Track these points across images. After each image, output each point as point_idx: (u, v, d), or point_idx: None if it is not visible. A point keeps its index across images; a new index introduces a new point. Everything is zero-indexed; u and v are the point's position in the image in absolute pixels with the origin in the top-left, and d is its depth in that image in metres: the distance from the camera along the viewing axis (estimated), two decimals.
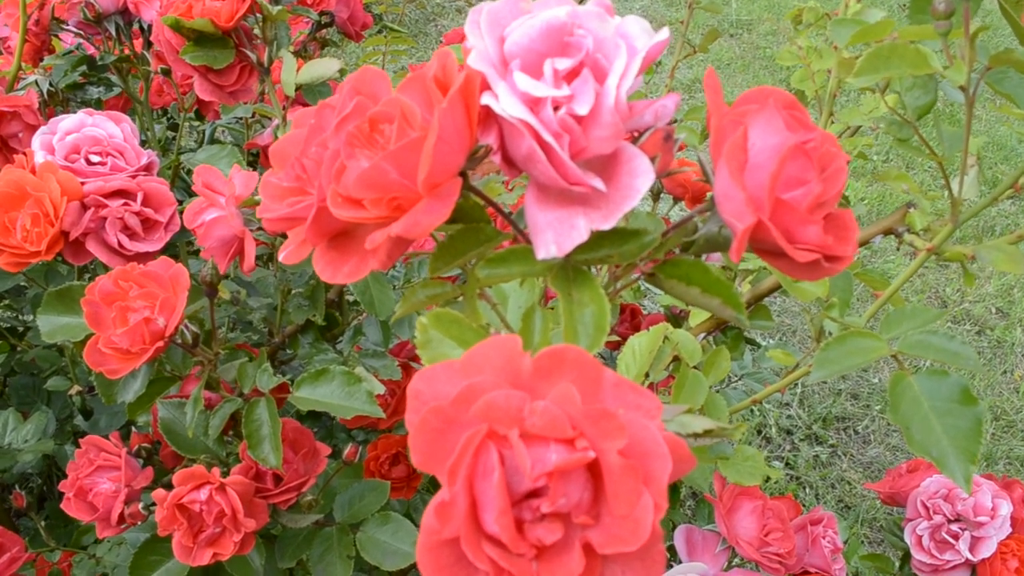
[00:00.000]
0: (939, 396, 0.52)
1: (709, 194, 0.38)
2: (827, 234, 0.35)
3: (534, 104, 0.33)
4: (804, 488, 1.97)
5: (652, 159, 0.35)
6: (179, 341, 0.65)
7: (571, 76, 0.33)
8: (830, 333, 0.64)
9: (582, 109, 0.32)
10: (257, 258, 1.10)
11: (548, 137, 0.32)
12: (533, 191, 0.35)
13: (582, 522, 0.30)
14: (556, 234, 0.34)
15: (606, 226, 0.33)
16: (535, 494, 0.30)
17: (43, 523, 0.96)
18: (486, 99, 0.33)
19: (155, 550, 0.79)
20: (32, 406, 1.27)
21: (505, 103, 0.33)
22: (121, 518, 0.71)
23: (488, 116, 0.35)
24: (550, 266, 0.36)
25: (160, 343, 0.62)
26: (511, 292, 0.52)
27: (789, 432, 2.09)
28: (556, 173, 0.32)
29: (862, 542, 1.82)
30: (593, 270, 0.39)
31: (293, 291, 0.85)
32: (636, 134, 0.37)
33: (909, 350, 0.56)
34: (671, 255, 0.40)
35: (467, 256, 0.37)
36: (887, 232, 0.69)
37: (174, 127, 1.44)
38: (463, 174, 0.36)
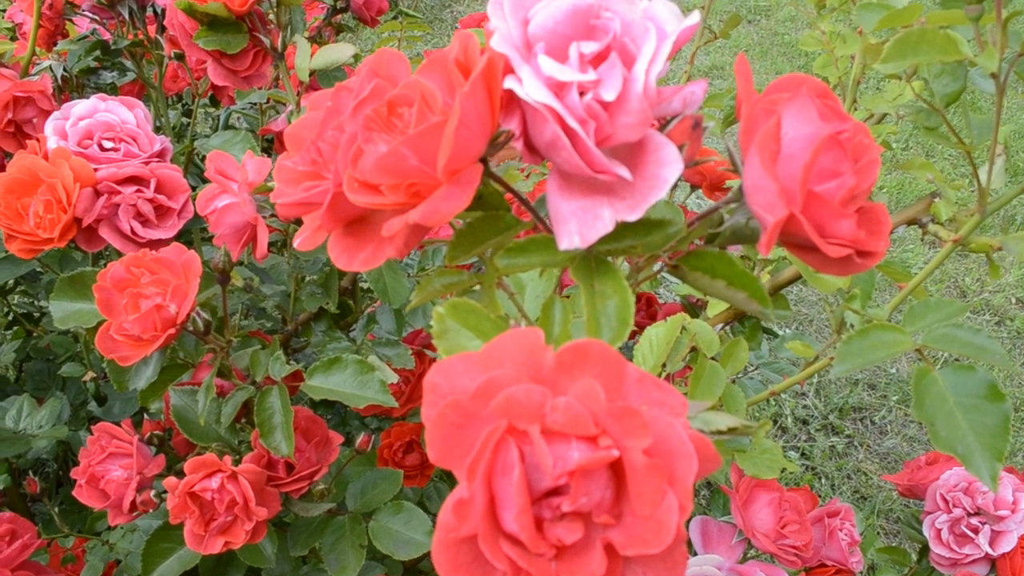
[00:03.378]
0: (965, 392, 0.51)
1: (736, 183, 0.36)
2: (859, 228, 0.34)
3: (559, 89, 0.32)
4: (820, 479, 1.95)
5: (680, 147, 0.33)
6: (191, 328, 0.64)
7: (598, 60, 0.32)
8: (851, 325, 0.63)
9: (609, 95, 0.31)
10: (271, 245, 1.09)
11: (573, 123, 0.31)
12: (556, 179, 0.34)
13: (603, 522, 0.29)
14: (580, 224, 0.33)
15: (632, 217, 0.32)
16: (556, 492, 0.29)
17: (56, 509, 0.96)
18: (509, 83, 0.32)
19: (167, 537, 0.78)
20: (47, 392, 1.28)
21: (529, 87, 0.31)
22: (133, 505, 0.71)
23: (511, 101, 0.34)
24: (572, 256, 0.35)
25: (172, 330, 0.62)
26: (528, 281, 0.51)
27: (805, 422, 2.07)
28: (581, 160, 0.31)
29: (878, 534, 1.81)
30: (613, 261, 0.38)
31: (306, 279, 0.84)
32: (663, 121, 0.36)
33: (934, 344, 0.54)
34: (695, 247, 0.39)
35: (486, 244, 0.36)
36: (911, 223, 0.68)
37: (189, 113, 1.44)
38: (484, 160, 0.35)
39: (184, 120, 1.38)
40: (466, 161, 0.33)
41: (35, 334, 1.36)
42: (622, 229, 0.35)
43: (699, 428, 0.34)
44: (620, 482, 0.29)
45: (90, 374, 1.10)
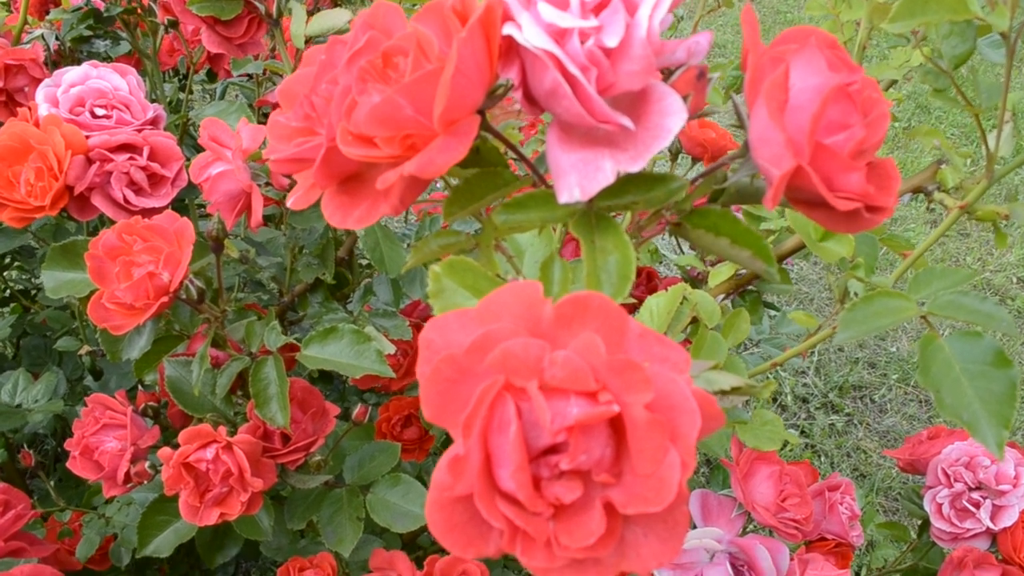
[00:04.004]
0: (971, 358, 0.50)
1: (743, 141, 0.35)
2: (868, 183, 0.33)
3: (559, 35, 0.31)
4: (819, 456, 1.95)
5: (684, 98, 0.32)
6: (184, 297, 0.63)
7: (599, 7, 0.31)
8: (855, 294, 0.62)
9: (611, 41, 0.30)
10: (267, 218, 1.08)
11: (574, 70, 0.30)
12: (556, 131, 0.33)
13: (603, 480, 0.28)
14: (580, 176, 0.32)
15: (634, 168, 0.31)
16: (554, 450, 0.28)
17: (52, 483, 0.96)
18: (508, 29, 0.31)
19: (163, 510, 0.78)
20: (44, 367, 1.27)
21: (529, 34, 0.30)
22: (127, 477, 0.70)
23: (510, 49, 0.33)
24: (572, 211, 0.34)
25: (164, 298, 0.61)
26: (527, 246, 0.50)
27: (805, 400, 2.07)
28: (582, 109, 0.30)
29: (877, 511, 1.81)
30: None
31: (303, 249, 0.83)
32: (667, 72, 0.35)
33: (940, 311, 0.53)
34: (698, 206, 0.38)
35: (484, 201, 0.35)
36: (916, 191, 0.67)
37: (186, 89, 1.42)
38: (481, 113, 0.34)
39: (182, 96, 1.37)
40: (463, 111, 0.32)
41: (32, 310, 1.35)
42: (624, 184, 0.34)
43: (702, 387, 0.33)
44: (620, 439, 0.28)
45: (86, 348, 1.09)
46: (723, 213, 0.36)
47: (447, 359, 0.28)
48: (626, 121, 0.31)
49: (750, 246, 0.35)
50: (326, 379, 1.23)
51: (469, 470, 0.27)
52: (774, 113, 0.31)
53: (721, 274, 0.74)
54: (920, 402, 2.12)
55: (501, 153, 0.39)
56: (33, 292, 1.40)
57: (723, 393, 0.33)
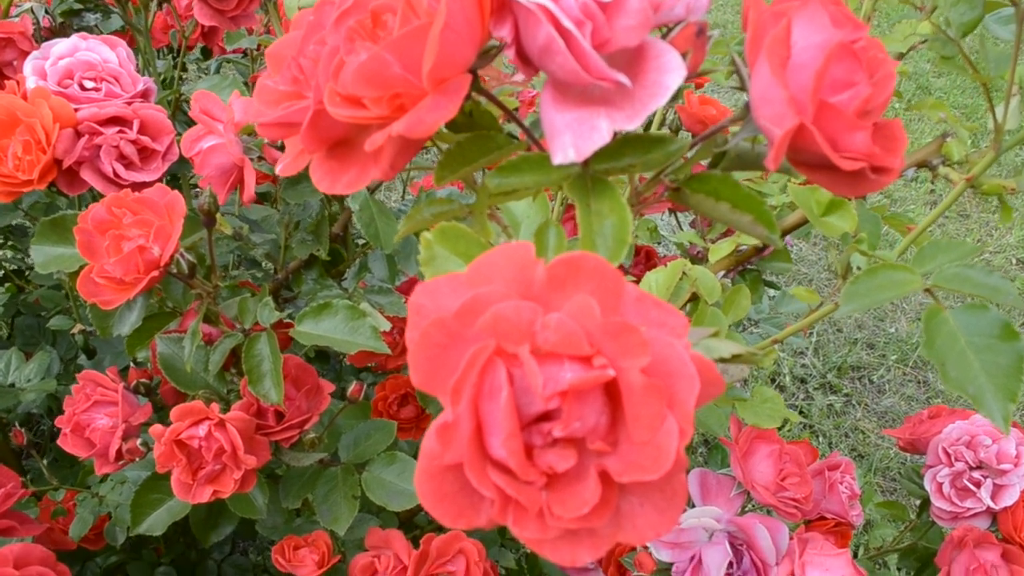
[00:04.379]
0: (977, 331, 0.49)
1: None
2: (874, 143, 0.32)
3: None
4: (817, 437, 1.95)
5: (683, 55, 0.31)
6: (175, 271, 0.62)
7: None
8: (858, 268, 0.61)
9: None
10: (261, 197, 1.07)
11: (568, 24, 0.29)
12: (550, 91, 0.32)
13: (598, 448, 0.27)
14: (575, 136, 0.30)
15: (631, 126, 0.30)
16: (547, 417, 0.27)
17: (45, 463, 0.95)
18: None
19: (156, 488, 0.77)
20: (37, 347, 1.26)
21: None
22: (119, 454, 0.70)
23: (502, 5, 0.31)
24: (567, 174, 0.33)
25: (155, 272, 0.60)
26: (523, 217, 0.49)
27: (803, 381, 2.06)
28: (577, 65, 0.29)
29: (875, 490, 1.81)
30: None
31: (299, 224, 0.82)
32: (665, 29, 0.33)
33: (945, 284, 0.52)
34: (697, 171, 0.37)
35: (476, 164, 0.34)
36: (920, 165, 0.66)
37: (181, 66, 1.41)
38: (473, 73, 0.33)
39: (175, 74, 1.35)
40: (453, 69, 0.31)
41: (26, 290, 1.35)
42: (621, 146, 0.33)
43: (701, 354, 0.32)
44: (616, 406, 0.27)
45: (78, 327, 1.08)
46: (723, 178, 0.35)
47: (436, 323, 0.27)
48: (622, 78, 0.29)
49: (751, 211, 0.34)
50: (323, 358, 1.23)
51: (459, 438, 0.26)
52: (776, 69, 0.30)
53: (721, 250, 0.73)
54: (918, 383, 2.12)
55: (495, 117, 0.37)
56: (26, 271, 1.39)
57: (723, 361, 0.32)
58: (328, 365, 1.24)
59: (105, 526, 0.98)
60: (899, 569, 1.65)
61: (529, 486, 0.27)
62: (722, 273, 0.78)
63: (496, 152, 0.34)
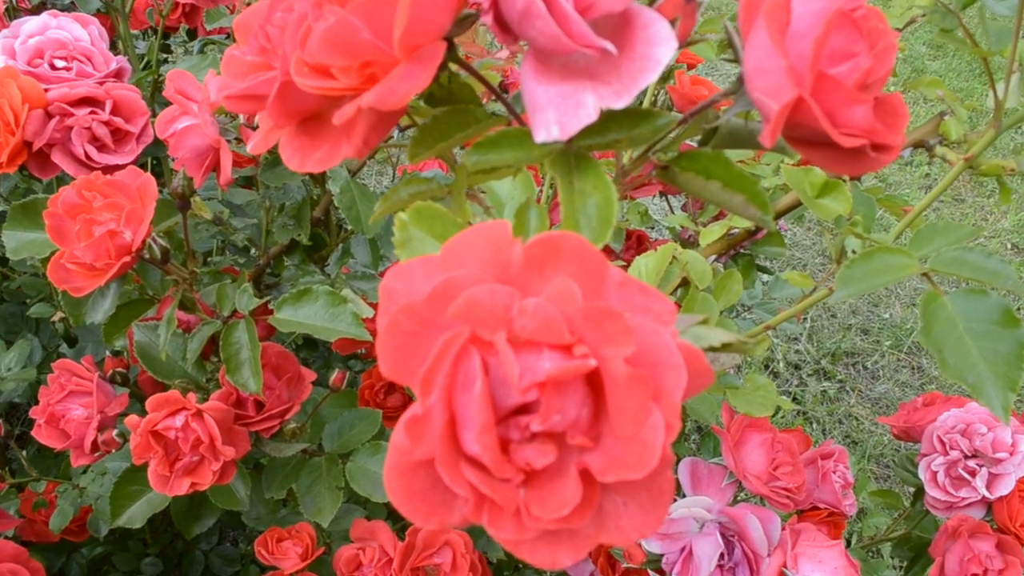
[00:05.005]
0: (976, 317, 0.47)
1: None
2: (875, 119, 0.30)
3: None
4: (811, 423, 1.94)
5: (671, 23, 0.29)
6: (147, 256, 0.60)
7: None
8: (853, 251, 0.59)
9: None
10: (247, 180, 1.05)
11: None
12: (531, 62, 0.30)
13: (579, 444, 0.25)
14: (559, 113, 0.28)
15: (619, 104, 0.28)
16: (524, 410, 0.25)
17: (26, 454, 0.93)
18: None
19: (136, 480, 0.75)
20: (19, 335, 1.24)
21: None
22: (95, 446, 0.68)
23: None
24: (549, 151, 0.31)
25: (127, 258, 0.58)
26: (508, 198, 0.47)
27: (797, 367, 2.05)
28: (558, 30, 0.27)
29: (869, 478, 1.80)
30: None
31: (282, 206, 0.80)
32: None
33: (943, 267, 0.50)
34: (686, 149, 0.35)
35: (453, 140, 0.32)
36: (917, 145, 0.64)
37: (166, 48, 1.38)
38: (449, 41, 0.31)
39: (162, 56, 1.32)
40: (427, 36, 0.29)
41: (10, 277, 1.32)
42: (606, 121, 0.31)
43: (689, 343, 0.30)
44: (598, 399, 0.25)
45: (59, 314, 1.06)
46: (714, 155, 0.33)
47: (405, 309, 0.25)
48: (608, 45, 0.27)
49: (743, 191, 0.32)
50: (311, 345, 1.21)
51: (430, 432, 0.25)
52: (775, 36, 0.28)
53: (712, 233, 0.71)
54: (912, 369, 2.11)
55: (475, 92, 0.35)
56: (8, 259, 1.37)
57: (713, 350, 0.30)
58: (316, 353, 1.22)
59: (88, 518, 0.97)
60: (893, 558, 1.65)
61: (505, 484, 0.25)
62: (714, 257, 0.76)
63: (474, 127, 0.32)
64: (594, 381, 0.25)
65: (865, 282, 0.49)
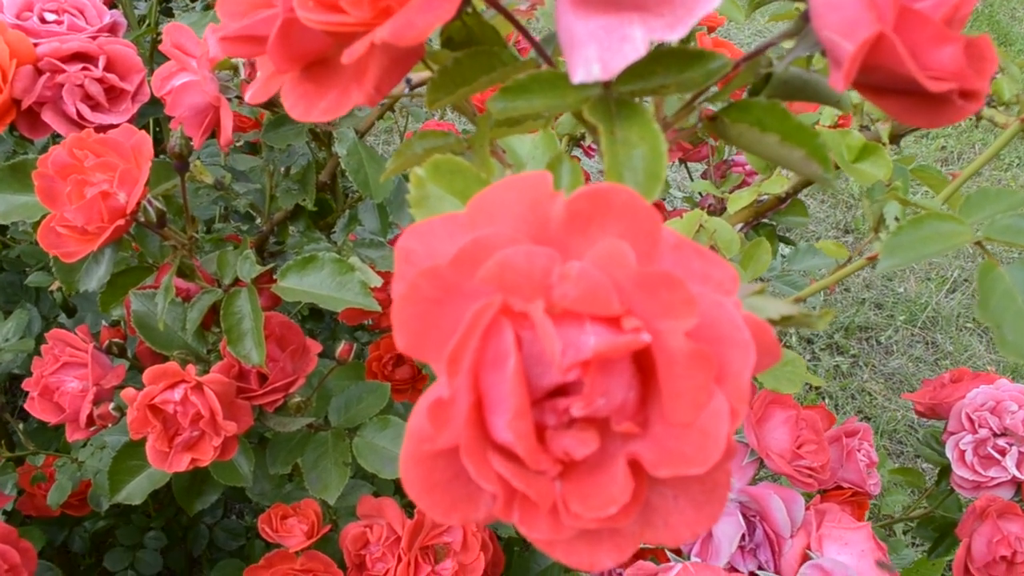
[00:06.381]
0: None
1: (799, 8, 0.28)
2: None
3: None
4: (823, 399, 1.91)
5: None
6: (143, 219, 0.56)
7: None
8: (896, 219, 0.55)
9: None
10: (252, 147, 1.01)
11: None
12: None
13: (625, 430, 0.22)
14: (601, 48, 0.25)
15: (673, 36, 0.24)
16: (563, 392, 0.22)
17: (22, 427, 0.90)
18: None
19: (135, 454, 0.72)
20: (18, 305, 1.21)
21: None
22: (90, 419, 0.65)
23: None
24: (586, 97, 0.27)
25: (120, 221, 0.54)
26: (529, 158, 0.43)
27: (810, 341, 2.02)
28: None
29: (885, 455, 1.77)
30: None
31: (288, 170, 0.76)
32: None
33: (998, 236, 0.47)
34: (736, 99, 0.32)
35: (476, 84, 0.29)
36: None
37: (168, 13, 1.33)
38: None
39: (155, 12, 1.28)
40: None
41: (10, 246, 1.29)
42: (650, 63, 0.27)
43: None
44: (649, 380, 0.22)
45: (57, 283, 1.03)
46: (770, 105, 0.30)
47: (428, 273, 0.21)
48: None
49: (804, 144, 0.29)
50: (317, 316, 1.18)
51: (455, 417, 0.21)
52: None
53: (742, 199, 0.67)
54: (927, 344, 2.07)
55: (500, 34, 0.32)
56: (8, 227, 1.33)
57: (771, 323, 0.26)
58: (323, 324, 1.19)
59: (89, 492, 0.94)
60: (905, 534, 1.62)
61: (540, 477, 0.21)
62: (740, 225, 0.73)
63: (500, 70, 0.29)
64: (644, 360, 0.22)
65: (914, 251, 0.46)
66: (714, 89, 0.31)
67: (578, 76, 0.25)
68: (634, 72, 0.27)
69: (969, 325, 2.13)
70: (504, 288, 0.21)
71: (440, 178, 0.30)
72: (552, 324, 0.20)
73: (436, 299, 0.21)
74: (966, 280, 2.23)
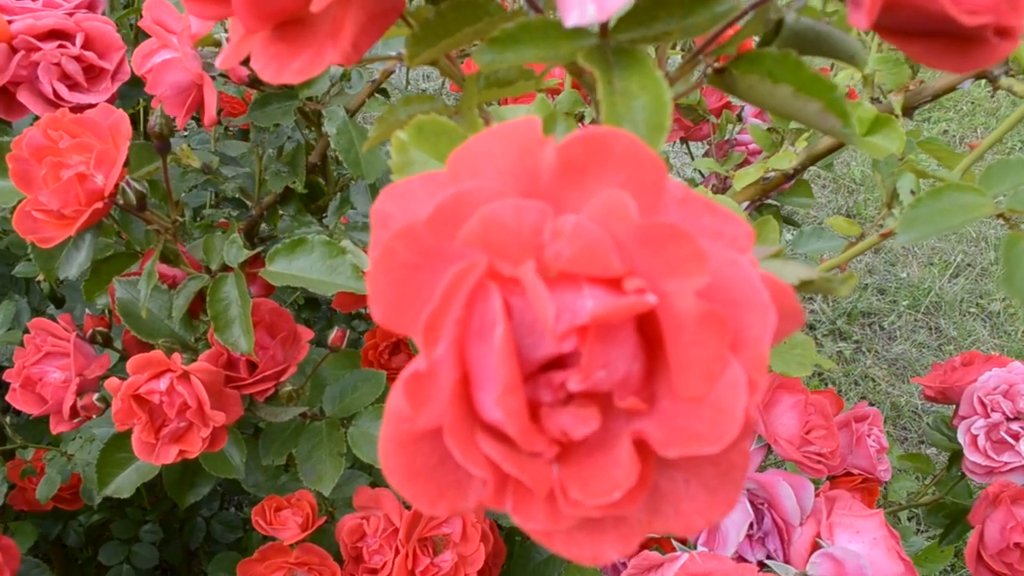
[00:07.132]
0: None
1: None
2: None
3: None
4: (826, 384, 1.89)
5: None
6: (121, 202, 0.54)
7: None
8: (911, 192, 0.53)
9: None
10: (243, 134, 0.98)
11: None
12: None
13: (629, 406, 0.19)
14: None
15: None
16: (559, 364, 0.19)
17: (7, 420, 0.88)
18: None
19: (123, 447, 0.70)
20: (6, 296, 1.19)
21: None
22: (74, 411, 0.62)
23: None
24: (581, 46, 0.25)
25: (99, 204, 0.52)
26: None
27: (812, 327, 2.00)
28: None
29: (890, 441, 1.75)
30: None
31: (282, 151, 0.73)
32: None
33: (1021, 207, 0.44)
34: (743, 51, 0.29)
35: (459, 36, 0.26)
36: (979, 76, 0.57)
37: None
38: None
39: None
40: None
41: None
42: (651, 7, 0.25)
43: None
44: (655, 349, 0.20)
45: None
46: (782, 55, 0.27)
47: (403, 234, 0.19)
48: None
49: (820, 96, 0.26)
50: (313, 303, 1.15)
51: (437, 394, 0.19)
52: None
53: (748, 176, 0.65)
54: (930, 329, 2.05)
55: None
56: None
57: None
58: (318, 313, 1.17)
59: (81, 486, 0.92)
60: (911, 520, 1.60)
61: (535, 459, 0.19)
62: (746, 204, 0.70)
63: (486, 20, 0.26)
64: (649, 326, 0.19)
65: (933, 224, 0.43)
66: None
67: (571, 19, 0.23)
68: (633, 18, 0.25)
69: (973, 310, 2.10)
70: (490, 248, 0.19)
71: (424, 141, 0.27)
72: (545, 287, 0.18)
73: (414, 264, 0.19)
74: (969, 264, 2.21)
